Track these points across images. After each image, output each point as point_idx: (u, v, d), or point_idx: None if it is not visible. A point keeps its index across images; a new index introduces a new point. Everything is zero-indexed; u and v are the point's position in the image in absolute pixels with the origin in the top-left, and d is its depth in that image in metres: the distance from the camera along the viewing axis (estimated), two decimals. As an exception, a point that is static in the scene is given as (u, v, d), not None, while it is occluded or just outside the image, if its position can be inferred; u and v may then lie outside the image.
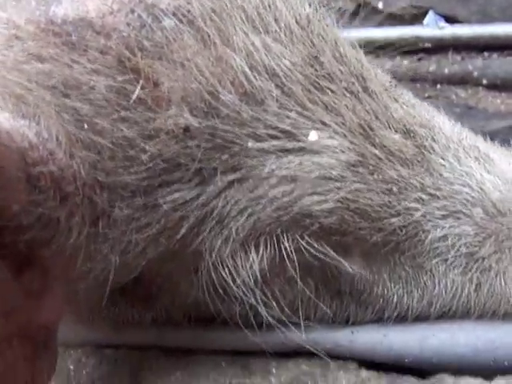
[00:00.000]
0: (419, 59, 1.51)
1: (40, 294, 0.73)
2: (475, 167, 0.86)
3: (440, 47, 1.49)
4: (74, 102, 0.70)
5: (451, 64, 1.49)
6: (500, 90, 1.46)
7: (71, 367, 0.90)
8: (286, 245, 0.79)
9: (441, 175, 0.84)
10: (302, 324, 0.84)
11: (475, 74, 1.48)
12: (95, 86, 0.71)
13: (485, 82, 1.48)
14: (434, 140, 0.85)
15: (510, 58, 1.48)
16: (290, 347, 0.87)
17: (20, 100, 0.69)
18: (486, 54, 1.49)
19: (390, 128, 0.82)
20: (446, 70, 1.49)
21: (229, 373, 0.87)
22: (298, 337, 0.85)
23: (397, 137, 0.82)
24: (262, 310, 0.81)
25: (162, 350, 0.91)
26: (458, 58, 1.50)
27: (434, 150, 0.84)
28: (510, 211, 0.86)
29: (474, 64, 1.49)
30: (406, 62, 1.50)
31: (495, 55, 1.49)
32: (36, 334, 0.74)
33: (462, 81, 1.48)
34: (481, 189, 0.85)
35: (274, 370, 0.87)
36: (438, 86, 1.45)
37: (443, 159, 0.84)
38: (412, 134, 0.83)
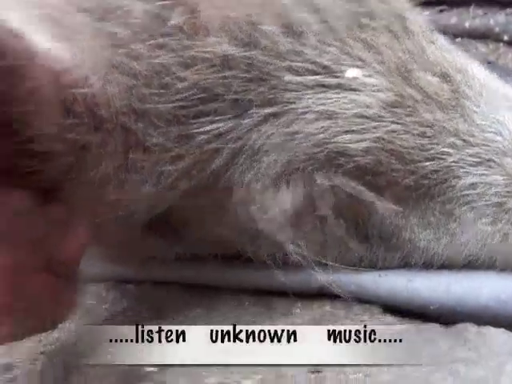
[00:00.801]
0: (440, 11, 1.48)
1: (65, 226, 0.72)
2: (508, 117, 0.85)
3: (462, 0, 1.46)
4: (111, 26, 0.69)
5: (472, 18, 1.47)
6: (521, 47, 1.44)
7: (90, 302, 0.89)
8: (320, 182, 0.78)
9: (474, 122, 0.82)
10: (328, 264, 0.83)
11: (496, 29, 1.45)
12: (132, 11, 0.69)
13: (506, 38, 1.45)
14: (468, 86, 0.83)
15: (533, 15, 1.46)
16: (314, 288, 0.86)
17: (56, 23, 0.68)
18: (508, 9, 1.46)
19: (426, 70, 0.80)
20: (467, 24, 1.46)
21: (251, 312, 0.87)
22: (324, 277, 0.84)
23: (433, 79, 0.80)
24: (291, 249, 0.80)
25: (184, 286, 0.90)
26: (480, 12, 1.47)
27: (468, 96, 0.82)
28: None
29: (496, 19, 1.46)
30: (426, 13, 1.47)
31: (518, 11, 1.46)
32: (58, 269, 0.73)
33: (483, 36, 1.46)
34: None
35: (298, 311, 0.86)
36: (459, 39, 1.43)
37: (476, 106, 0.83)
38: (448, 78, 0.81)
